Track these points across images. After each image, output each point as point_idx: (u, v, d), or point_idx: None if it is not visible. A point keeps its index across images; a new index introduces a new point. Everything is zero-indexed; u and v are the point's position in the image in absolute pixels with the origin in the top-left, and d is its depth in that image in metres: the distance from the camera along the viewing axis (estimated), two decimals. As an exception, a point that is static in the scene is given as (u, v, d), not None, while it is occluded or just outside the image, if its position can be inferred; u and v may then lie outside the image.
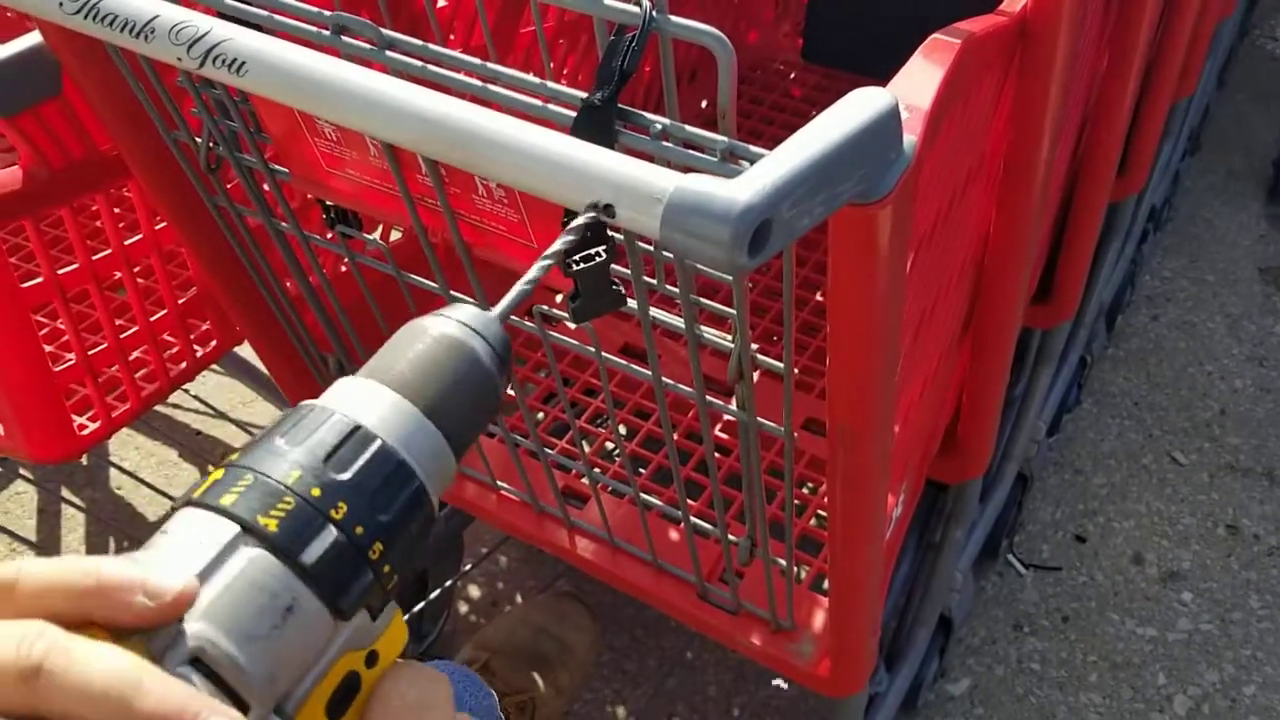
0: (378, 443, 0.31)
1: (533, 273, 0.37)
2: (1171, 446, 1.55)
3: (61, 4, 0.48)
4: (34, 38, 0.79)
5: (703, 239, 0.37)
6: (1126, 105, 0.94)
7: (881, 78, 0.51)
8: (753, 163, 0.48)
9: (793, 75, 1.52)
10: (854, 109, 0.41)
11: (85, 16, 0.47)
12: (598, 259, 0.49)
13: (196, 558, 0.29)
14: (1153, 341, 1.71)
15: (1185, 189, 1.99)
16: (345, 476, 0.30)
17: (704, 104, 1.45)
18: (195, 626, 0.28)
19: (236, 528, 0.29)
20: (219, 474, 0.30)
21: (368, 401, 0.32)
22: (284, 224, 0.79)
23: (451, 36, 1.05)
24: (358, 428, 0.31)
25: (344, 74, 0.43)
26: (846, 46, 1.46)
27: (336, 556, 0.29)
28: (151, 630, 0.28)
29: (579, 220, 0.39)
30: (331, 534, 0.29)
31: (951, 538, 1.15)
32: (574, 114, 0.50)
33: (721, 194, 0.37)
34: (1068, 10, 0.59)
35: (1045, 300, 1.17)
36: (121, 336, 0.99)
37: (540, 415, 1.10)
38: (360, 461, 0.30)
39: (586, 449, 1.07)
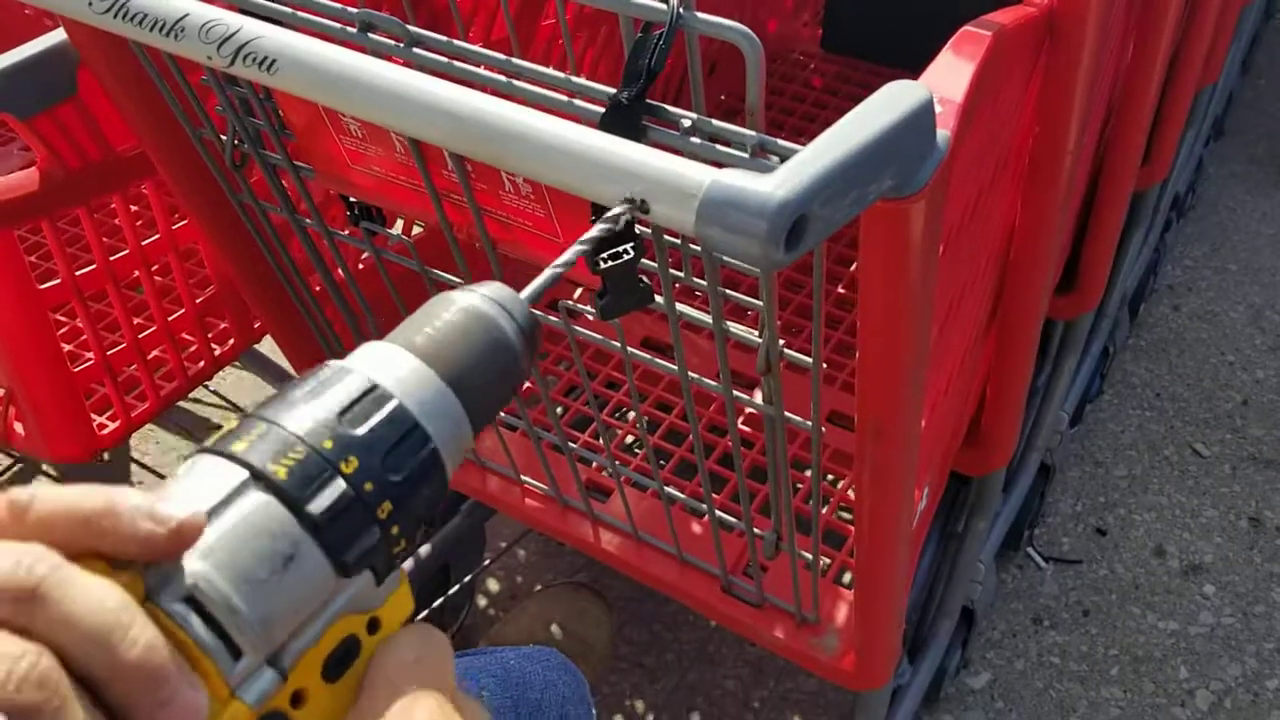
0: (394, 403, 0.31)
1: (565, 257, 0.37)
2: (1193, 438, 1.54)
3: (91, 3, 0.48)
4: (47, 40, 0.79)
5: (739, 234, 0.37)
6: (1151, 95, 0.94)
7: (901, 67, 0.51)
8: (783, 157, 0.47)
9: (812, 65, 1.51)
10: (889, 103, 0.40)
11: (115, 15, 0.47)
12: (626, 256, 0.48)
13: (203, 499, 0.28)
14: (1174, 332, 1.70)
15: (1208, 176, 1.97)
16: (358, 432, 0.30)
17: (723, 96, 1.45)
18: (193, 564, 0.28)
19: (245, 473, 0.29)
20: (234, 424, 0.30)
21: (389, 364, 0.32)
22: (308, 220, 0.79)
23: (471, 31, 1.04)
24: (375, 386, 0.31)
25: (375, 70, 0.43)
26: (866, 36, 1.45)
27: (343, 510, 0.29)
28: (152, 564, 0.28)
29: (614, 211, 0.39)
30: (340, 486, 0.29)
31: (975, 529, 1.14)
32: (598, 109, 0.50)
33: (758, 189, 0.37)
34: (1095, 2, 0.58)
35: (1069, 290, 1.16)
36: (140, 336, 1.00)
37: (561, 409, 1.10)
38: (375, 419, 0.30)
39: (610, 440, 1.07)
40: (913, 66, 0.50)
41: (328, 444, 0.29)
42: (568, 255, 0.37)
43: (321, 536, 0.29)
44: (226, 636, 0.28)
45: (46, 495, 0.28)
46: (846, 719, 1.24)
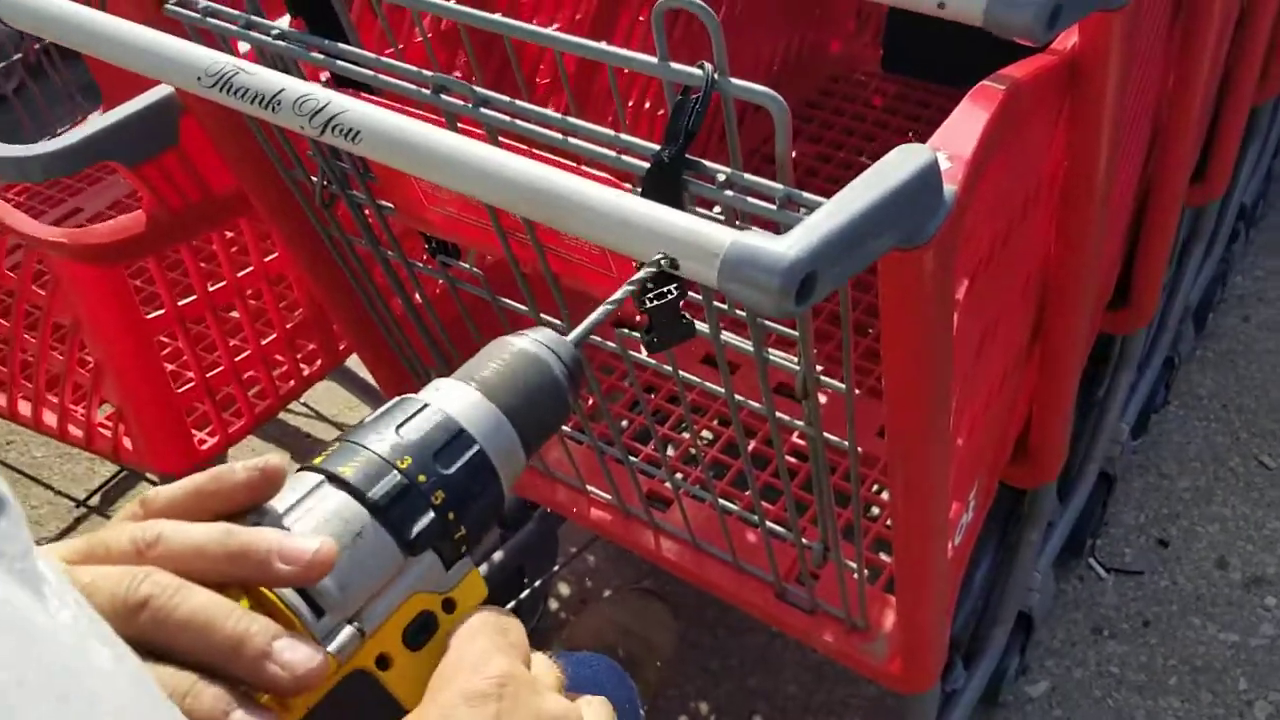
0: (442, 414, 0.38)
1: (604, 308, 0.44)
2: (1259, 450, 1.54)
3: (200, 78, 0.55)
4: (153, 94, 0.87)
5: (755, 289, 0.42)
6: (1195, 117, 0.96)
7: (959, 87, 0.55)
8: (809, 209, 0.52)
9: (873, 85, 1.55)
10: (895, 166, 0.45)
11: (220, 89, 0.54)
12: (669, 296, 0.54)
13: (287, 500, 0.36)
14: (1243, 343, 1.70)
15: (1280, 186, 1.96)
16: (412, 438, 0.37)
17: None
18: None
19: (321, 477, 0.37)
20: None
21: (451, 394, 0.39)
22: (389, 252, 0.86)
23: (542, 64, 1.11)
24: (427, 405, 0.38)
25: (443, 142, 0.49)
26: (926, 57, 1.48)
27: (400, 495, 0.36)
28: None
29: (644, 271, 0.45)
30: (396, 478, 0.36)
31: (1027, 539, 1.17)
32: (643, 164, 0.56)
33: (771, 249, 0.42)
34: (1117, 48, 0.62)
35: (1123, 306, 1.18)
36: (236, 359, 1.08)
37: (625, 423, 1.15)
38: (426, 428, 0.38)
39: (670, 454, 1.13)
40: (970, 85, 0.54)
41: (386, 449, 0.37)
42: (605, 306, 0.43)
43: (383, 517, 0.36)
44: (311, 600, 0.35)
45: (173, 535, 0.35)
46: (904, 723, 1.27)
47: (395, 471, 0.36)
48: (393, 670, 0.37)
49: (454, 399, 0.39)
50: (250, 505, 0.36)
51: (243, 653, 0.32)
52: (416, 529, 0.37)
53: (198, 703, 0.32)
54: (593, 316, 0.43)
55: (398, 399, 0.39)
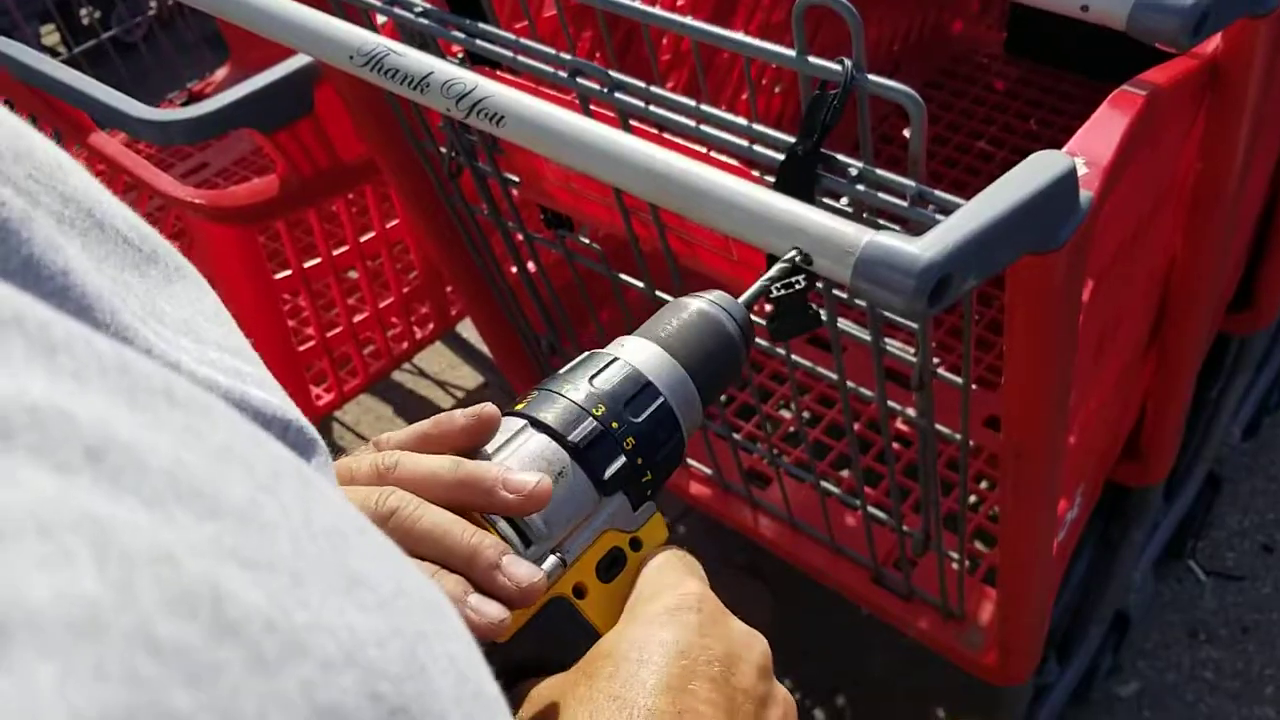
0: (629, 367, 0.41)
1: (772, 273, 0.46)
2: (1378, 458, 1.49)
3: (351, 57, 0.57)
4: (290, 65, 0.90)
5: (888, 289, 0.43)
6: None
7: (1083, 74, 0.54)
8: (940, 206, 0.53)
9: (995, 68, 1.52)
10: (1033, 172, 0.45)
11: (371, 69, 0.56)
12: (797, 286, 0.55)
13: (497, 442, 0.40)
14: (1367, 347, 1.64)
15: None
16: (605, 388, 0.41)
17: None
18: None
19: (525, 421, 0.40)
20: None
21: (636, 350, 0.42)
22: (509, 221, 0.88)
23: (666, 38, 1.12)
24: (616, 359, 0.41)
25: (583, 129, 0.50)
26: (1050, 41, 1.45)
27: (595, 439, 0.40)
28: None
29: (782, 264, 0.46)
30: (592, 424, 0.40)
31: (1130, 539, 1.16)
32: (776, 155, 0.56)
33: (907, 250, 0.42)
34: (1261, 54, 0.61)
35: (1245, 307, 1.16)
36: (354, 320, 1.11)
37: (726, 398, 1.16)
38: (617, 380, 0.41)
39: (771, 432, 1.14)
40: (1094, 74, 0.53)
41: (582, 397, 0.40)
42: (774, 271, 0.46)
43: (581, 459, 0.40)
44: (520, 530, 0.39)
45: (409, 462, 0.38)
46: (991, 713, 1.27)
47: (591, 418, 0.40)
48: (588, 599, 0.40)
49: (640, 354, 0.42)
50: (467, 448, 0.40)
51: (476, 563, 0.36)
52: (610, 471, 0.40)
53: (442, 582, 0.35)
54: (759, 283, 0.46)
55: (587, 354, 0.42)
